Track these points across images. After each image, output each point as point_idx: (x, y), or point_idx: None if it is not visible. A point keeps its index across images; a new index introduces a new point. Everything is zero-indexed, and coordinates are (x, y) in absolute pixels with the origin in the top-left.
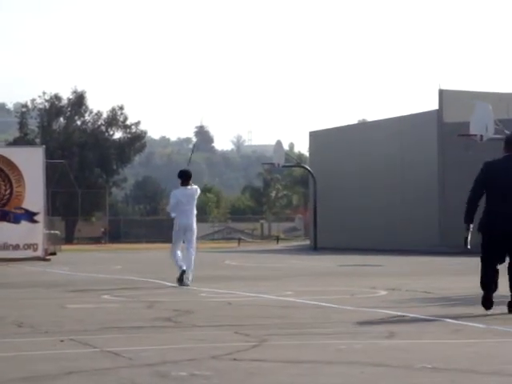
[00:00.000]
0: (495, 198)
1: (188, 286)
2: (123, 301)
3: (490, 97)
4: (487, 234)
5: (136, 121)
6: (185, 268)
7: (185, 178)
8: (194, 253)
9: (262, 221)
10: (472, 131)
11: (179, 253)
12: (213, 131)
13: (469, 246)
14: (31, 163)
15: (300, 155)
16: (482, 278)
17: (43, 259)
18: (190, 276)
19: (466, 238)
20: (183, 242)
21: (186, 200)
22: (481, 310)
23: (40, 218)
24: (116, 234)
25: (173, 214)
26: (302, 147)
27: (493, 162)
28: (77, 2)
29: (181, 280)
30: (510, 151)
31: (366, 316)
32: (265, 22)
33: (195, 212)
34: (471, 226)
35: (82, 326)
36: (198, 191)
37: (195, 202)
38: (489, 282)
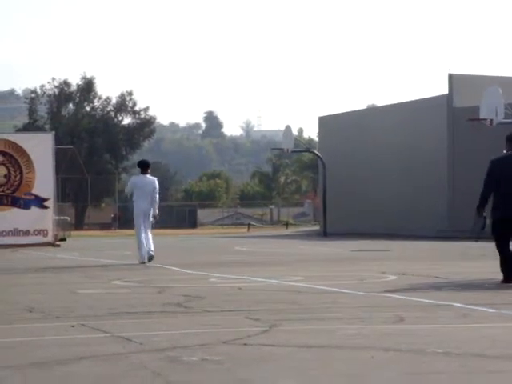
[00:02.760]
0: (501, 188)
1: (152, 258)
2: (133, 286)
3: (501, 81)
4: (496, 220)
5: (145, 106)
6: (146, 261)
7: (144, 167)
8: (150, 233)
9: (271, 206)
10: (482, 115)
11: (144, 242)
12: (222, 116)
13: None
14: (41, 149)
15: (309, 140)
16: (500, 259)
17: (53, 245)
18: (152, 247)
19: (485, 223)
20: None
21: (144, 187)
22: (490, 294)
23: (50, 203)
24: (126, 220)
25: (131, 195)
26: (312, 132)
27: (498, 158)
28: None
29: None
30: None
31: (375, 301)
32: (273, 7)
33: (151, 200)
34: (485, 213)
35: (93, 311)
36: (156, 183)
37: (154, 191)
38: (505, 259)
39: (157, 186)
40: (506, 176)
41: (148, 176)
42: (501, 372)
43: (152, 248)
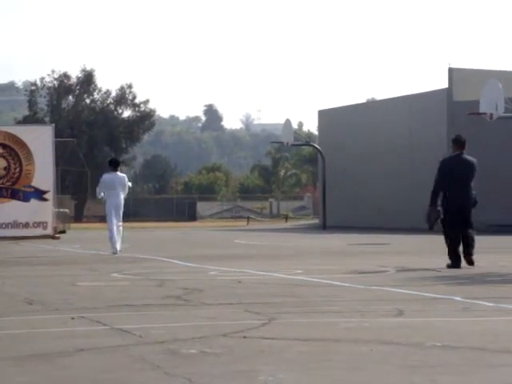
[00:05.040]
0: (450, 184)
1: (117, 254)
2: (133, 279)
3: (501, 75)
4: (447, 210)
5: (145, 99)
6: (117, 252)
7: (114, 165)
8: (121, 226)
9: (270, 199)
10: (482, 110)
11: (115, 233)
12: (222, 110)
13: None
14: (41, 142)
15: (309, 134)
16: (448, 243)
17: (53, 237)
18: (119, 245)
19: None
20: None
21: (113, 184)
22: (490, 288)
23: (49, 196)
24: (125, 213)
25: (100, 195)
26: (311, 126)
27: (448, 158)
28: None
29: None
30: (459, 150)
31: (375, 294)
32: (273, 0)
33: (122, 195)
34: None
35: (93, 303)
36: (126, 179)
37: (123, 187)
38: (455, 246)
39: (127, 182)
40: (454, 174)
41: (118, 173)
42: (501, 366)
43: (119, 246)
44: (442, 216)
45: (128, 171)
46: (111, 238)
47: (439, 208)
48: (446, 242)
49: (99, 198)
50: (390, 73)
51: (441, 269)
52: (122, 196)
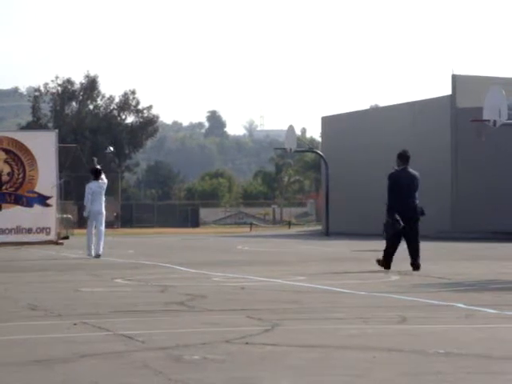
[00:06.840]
0: (398, 196)
1: (100, 256)
2: (136, 285)
3: (504, 82)
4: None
5: (148, 105)
6: (93, 256)
7: (96, 174)
8: (103, 230)
9: (273, 206)
10: (485, 116)
11: (94, 238)
12: (225, 116)
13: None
14: (44, 147)
15: (312, 140)
16: (387, 247)
17: (56, 243)
18: (101, 248)
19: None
20: (94, 228)
21: (98, 191)
22: (493, 295)
23: (53, 201)
24: (128, 219)
25: (86, 214)
26: (314, 132)
27: (395, 173)
28: None
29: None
30: (403, 164)
31: (377, 301)
32: (277, 7)
33: (104, 199)
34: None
35: (95, 309)
36: (105, 184)
37: (103, 192)
38: (391, 254)
39: (105, 186)
40: (401, 186)
41: (100, 181)
42: (505, 373)
43: (101, 249)
44: (400, 227)
45: (131, 177)
46: (88, 244)
47: (397, 217)
48: (386, 246)
49: (85, 216)
50: (394, 79)
51: (440, 275)
52: (104, 202)
